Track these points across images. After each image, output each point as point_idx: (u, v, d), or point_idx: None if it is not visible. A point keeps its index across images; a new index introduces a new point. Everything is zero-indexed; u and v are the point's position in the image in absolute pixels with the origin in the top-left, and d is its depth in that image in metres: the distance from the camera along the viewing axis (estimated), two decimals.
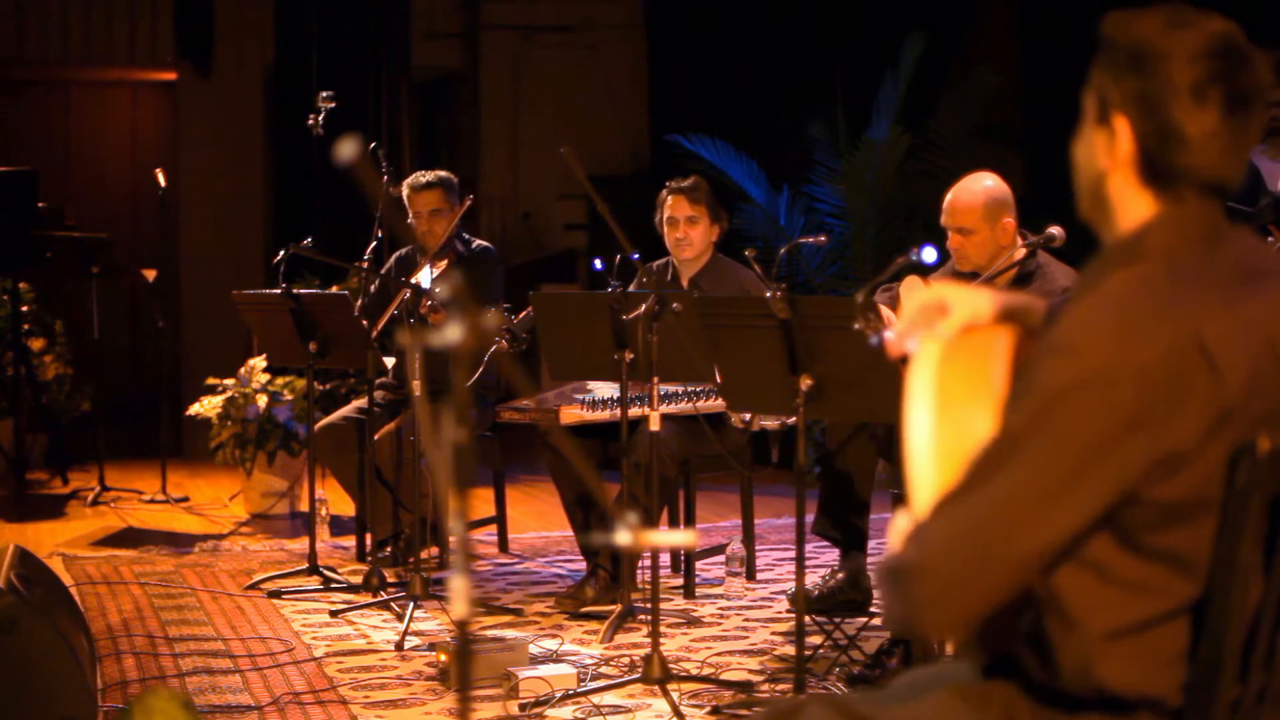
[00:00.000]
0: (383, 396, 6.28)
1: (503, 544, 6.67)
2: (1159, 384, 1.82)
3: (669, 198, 5.80)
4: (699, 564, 5.95)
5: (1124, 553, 1.87)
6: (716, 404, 5.45)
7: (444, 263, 6.15)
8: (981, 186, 4.91)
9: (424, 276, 5.91)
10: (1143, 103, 1.91)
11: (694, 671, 4.62)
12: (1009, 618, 1.94)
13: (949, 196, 4.94)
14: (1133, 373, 1.82)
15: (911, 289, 4.83)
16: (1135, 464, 1.82)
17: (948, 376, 1.98)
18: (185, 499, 8.04)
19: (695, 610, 5.49)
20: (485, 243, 6.52)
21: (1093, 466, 1.81)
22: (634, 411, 4.97)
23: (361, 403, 6.22)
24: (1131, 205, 1.96)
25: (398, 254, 6.64)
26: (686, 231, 5.76)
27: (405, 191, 6.30)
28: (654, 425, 4.73)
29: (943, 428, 1.95)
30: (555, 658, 4.76)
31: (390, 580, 5.78)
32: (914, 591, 1.84)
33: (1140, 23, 1.93)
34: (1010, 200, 4.91)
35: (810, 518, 5.13)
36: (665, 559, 6.06)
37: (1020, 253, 4.81)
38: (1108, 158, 1.96)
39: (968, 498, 1.84)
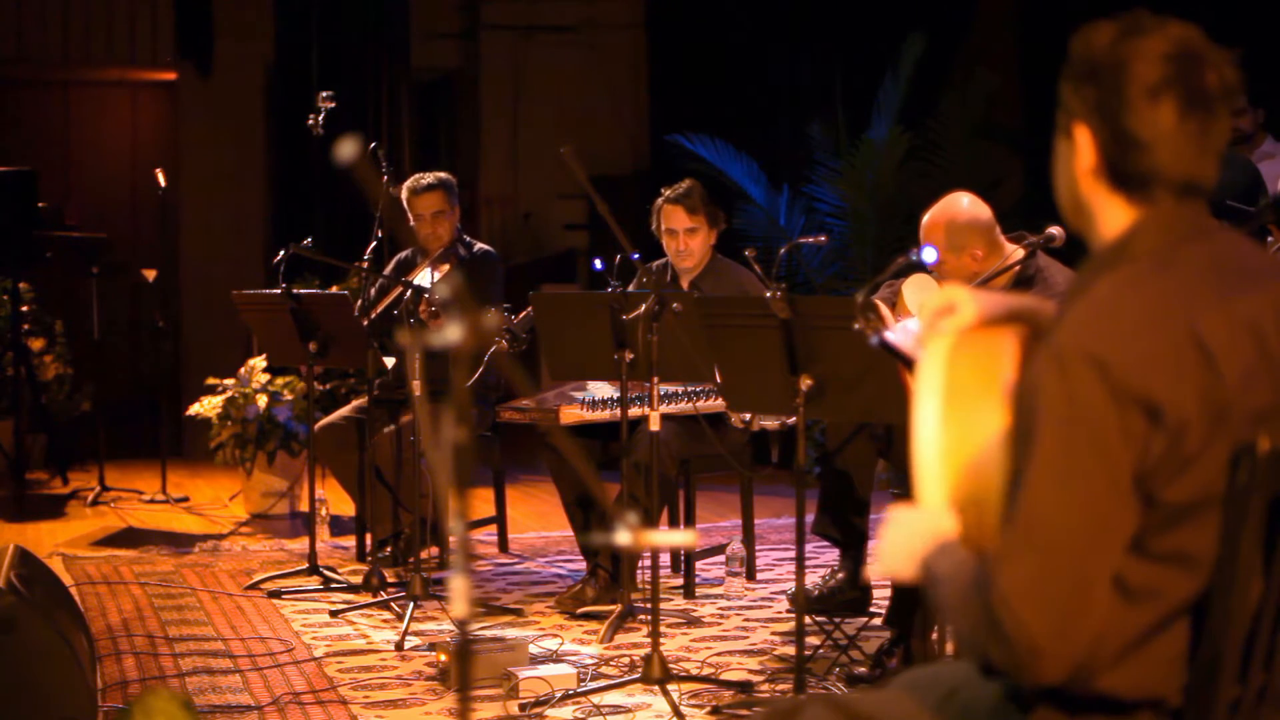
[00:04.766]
0: (383, 396, 6.28)
1: (503, 544, 6.67)
2: (1163, 373, 1.83)
3: (665, 207, 5.75)
4: (699, 564, 5.95)
5: (1134, 559, 1.87)
6: (716, 404, 5.45)
7: (445, 266, 6.14)
8: (945, 216, 4.74)
9: (424, 279, 5.92)
10: (1099, 111, 1.94)
11: (694, 671, 4.62)
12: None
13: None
14: (1136, 366, 1.83)
15: (918, 287, 4.81)
16: (1156, 452, 1.83)
17: (956, 374, 1.99)
18: (185, 499, 8.04)
19: (695, 610, 5.49)
20: (486, 246, 6.52)
21: (1126, 464, 1.83)
22: (634, 411, 4.97)
23: (361, 402, 6.22)
24: (1108, 211, 1.98)
25: (398, 257, 6.63)
26: (686, 242, 5.74)
27: (405, 195, 6.28)
28: (654, 425, 4.73)
29: (950, 424, 1.96)
30: (555, 658, 4.76)
31: (390, 580, 5.78)
32: (1030, 654, 1.83)
33: (1097, 34, 1.96)
34: (980, 226, 4.73)
35: (810, 518, 5.13)
36: (665, 559, 6.06)
37: (1019, 254, 4.78)
38: (1075, 167, 1.98)
39: (1033, 546, 1.84)
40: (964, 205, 4.78)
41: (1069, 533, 1.83)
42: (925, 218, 4.82)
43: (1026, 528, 1.85)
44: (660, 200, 5.77)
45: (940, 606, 1.97)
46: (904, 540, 2.03)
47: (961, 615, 1.91)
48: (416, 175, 6.41)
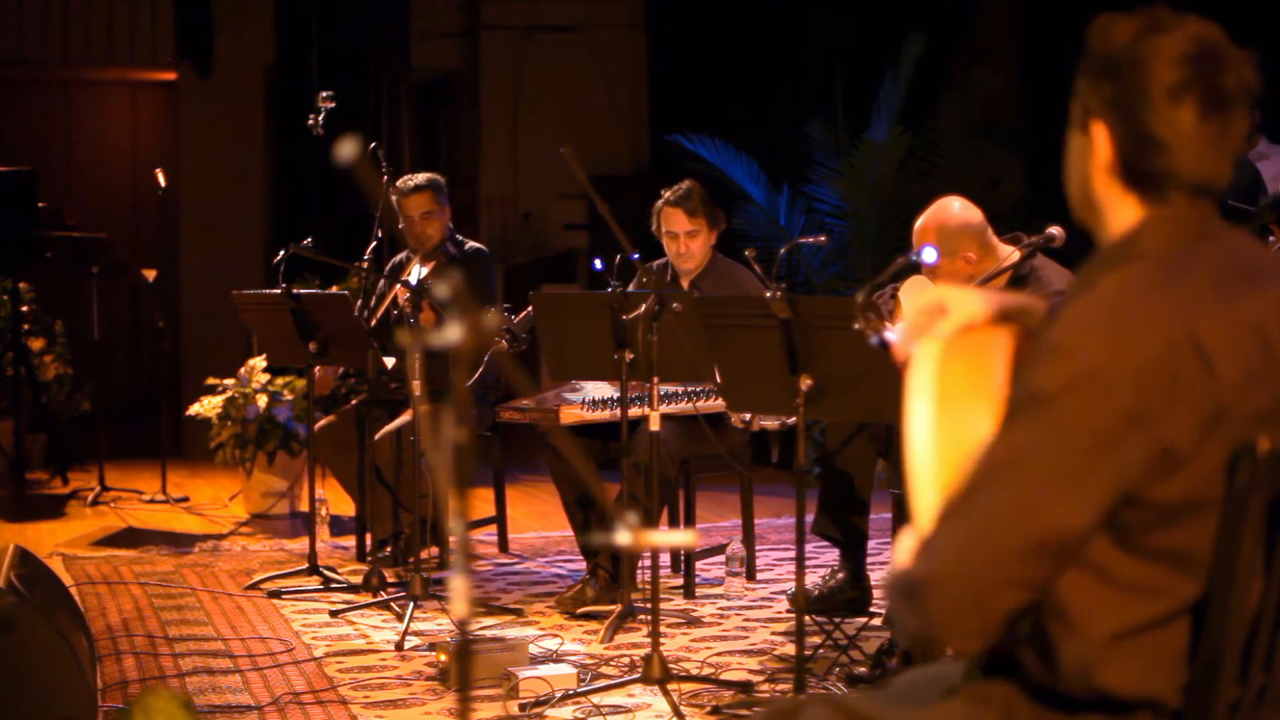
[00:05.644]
0: (379, 394, 6.27)
1: (503, 544, 6.67)
2: (1156, 381, 1.83)
3: (665, 210, 5.75)
4: (699, 564, 5.95)
5: (1123, 554, 1.87)
6: (716, 404, 5.45)
7: (433, 264, 6.16)
8: (936, 221, 4.77)
9: (414, 277, 5.93)
10: (1118, 109, 1.93)
11: (694, 671, 4.62)
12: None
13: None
14: (1130, 371, 1.83)
15: (915, 288, 4.81)
16: (1135, 462, 1.83)
17: (948, 376, 1.98)
18: (185, 499, 8.04)
19: (695, 610, 5.49)
20: (478, 244, 6.52)
21: (1095, 466, 1.82)
22: (634, 411, 4.97)
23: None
24: (1119, 208, 1.97)
25: (393, 260, 6.64)
26: (687, 245, 5.74)
27: (395, 196, 6.27)
28: (654, 425, 4.73)
29: (943, 427, 1.95)
30: (555, 658, 4.76)
31: (390, 580, 5.78)
32: (930, 605, 1.84)
33: (1117, 29, 1.94)
34: (971, 229, 4.76)
35: (810, 518, 5.13)
36: (665, 559, 6.06)
37: (1016, 255, 4.77)
38: (1090, 163, 1.97)
39: (973, 505, 1.85)
40: (955, 209, 4.80)
41: (1002, 519, 1.83)
42: (916, 223, 4.83)
43: (971, 496, 1.85)
44: (660, 203, 5.78)
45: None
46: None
47: (892, 596, 1.93)
48: (405, 177, 6.41)
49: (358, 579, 5.80)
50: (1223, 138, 1.92)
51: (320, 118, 5.99)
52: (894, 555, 2.04)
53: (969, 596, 1.84)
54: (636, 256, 4.68)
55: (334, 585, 5.80)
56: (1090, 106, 1.96)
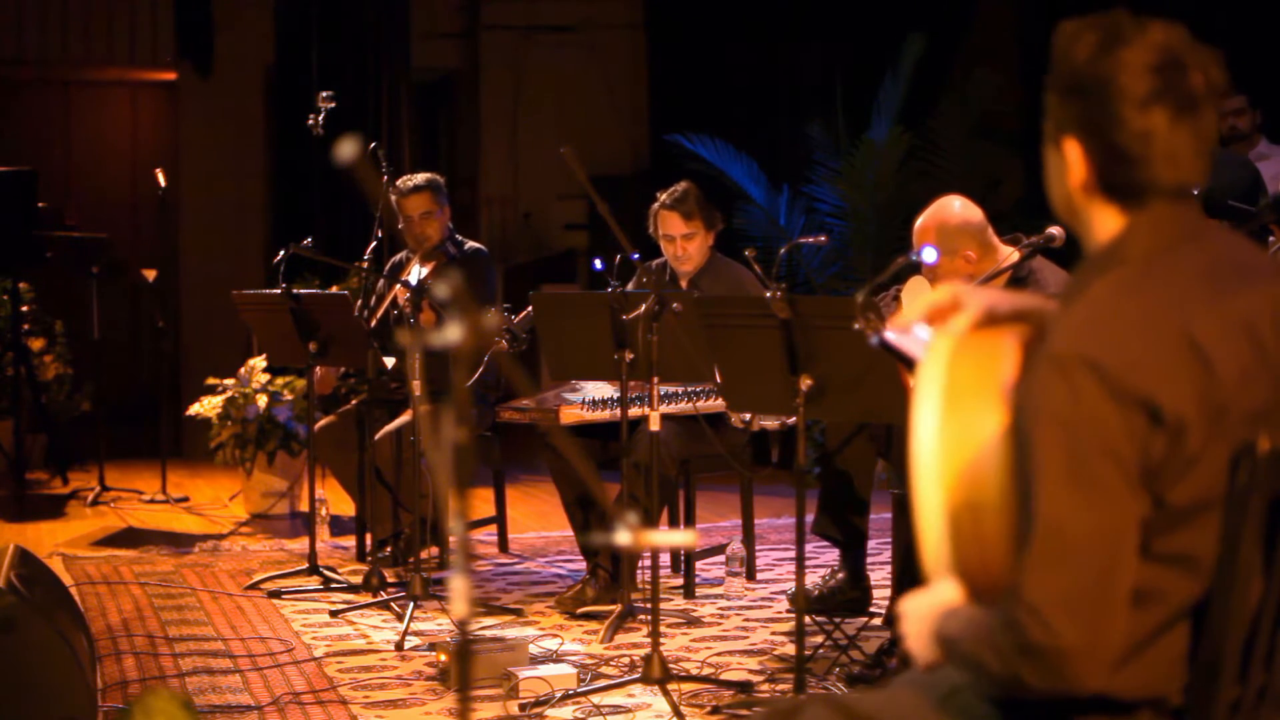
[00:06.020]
0: (383, 396, 6.27)
1: (503, 544, 6.67)
2: (1159, 379, 1.83)
3: (660, 213, 5.75)
4: (699, 564, 5.95)
5: (1139, 560, 1.87)
6: (716, 404, 5.45)
7: (433, 264, 6.16)
8: (936, 220, 4.78)
9: (412, 278, 5.93)
10: (1087, 126, 1.93)
11: (694, 671, 4.61)
12: None
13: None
14: (1131, 365, 1.83)
15: (916, 288, 4.82)
16: (1155, 457, 1.83)
17: (957, 373, 1.98)
18: (185, 499, 8.03)
19: (695, 610, 5.49)
20: (477, 244, 6.51)
21: (1129, 468, 1.83)
22: (634, 411, 4.97)
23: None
24: (1101, 218, 1.97)
25: (393, 260, 6.64)
26: (684, 247, 5.74)
27: (394, 196, 6.27)
28: (654, 425, 4.73)
29: (949, 424, 1.95)
30: (555, 658, 4.76)
31: (390, 580, 5.78)
32: (1071, 669, 1.83)
33: (1079, 44, 1.93)
34: (971, 229, 4.77)
35: (810, 518, 5.13)
36: (665, 559, 6.06)
37: (1015, 256, 4.76)
38: (1067, 179, 1.97)
39: (1055, 552, 1.83)
40: (955, 208, 4.80)
41: (1090, 537, 1.82)
42: (916, 223, 4.84)
43: (1047, 537, 1.83)
44: (656, 206, 5.78)
45: (963, 664, 1.96)
46: (918, 628, 2.03)
47: (988, 655, 1.89)
48: (405, 177, 6.41)
49: (358, 579, 5.80)
50: (1196, 139, 1.92)
51: (320, 118, 5.99)
52: (931, 598, 2.02)
53: (1103, 641, 1.83)
54: (636, 256, 4.69)
55: (334, 585, 5.80)
56: (1061, 123, 1.96)
